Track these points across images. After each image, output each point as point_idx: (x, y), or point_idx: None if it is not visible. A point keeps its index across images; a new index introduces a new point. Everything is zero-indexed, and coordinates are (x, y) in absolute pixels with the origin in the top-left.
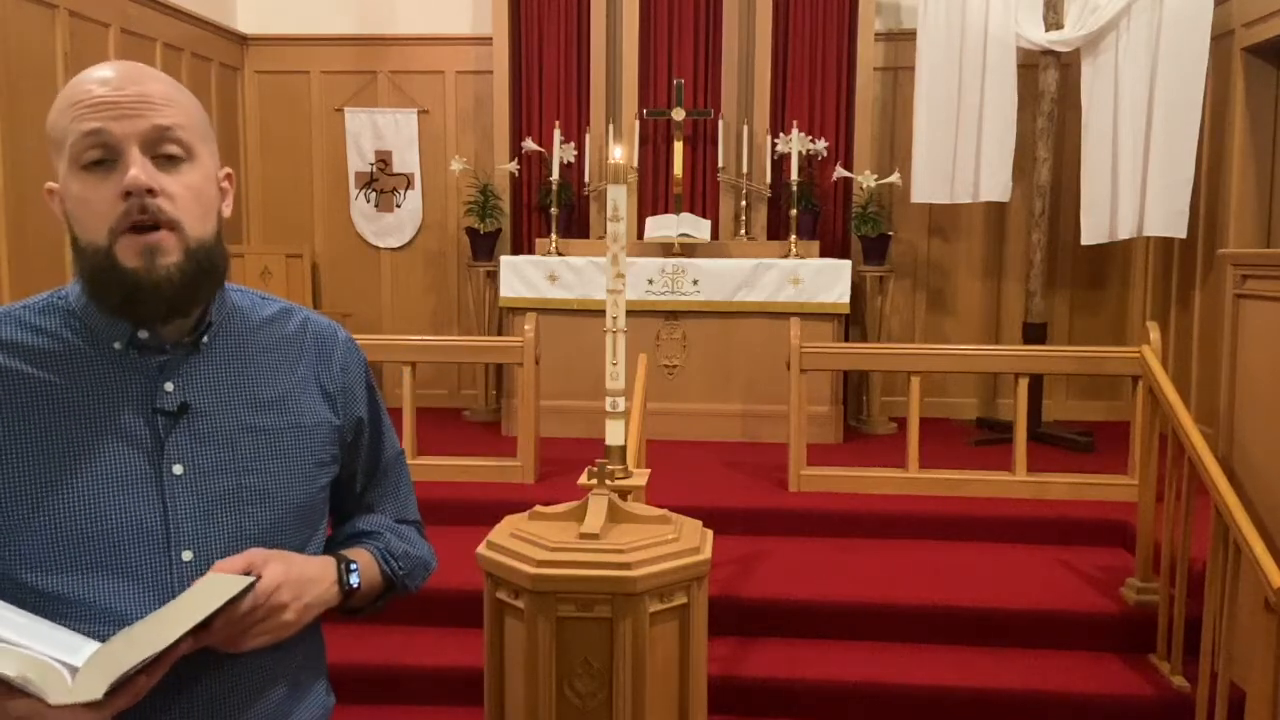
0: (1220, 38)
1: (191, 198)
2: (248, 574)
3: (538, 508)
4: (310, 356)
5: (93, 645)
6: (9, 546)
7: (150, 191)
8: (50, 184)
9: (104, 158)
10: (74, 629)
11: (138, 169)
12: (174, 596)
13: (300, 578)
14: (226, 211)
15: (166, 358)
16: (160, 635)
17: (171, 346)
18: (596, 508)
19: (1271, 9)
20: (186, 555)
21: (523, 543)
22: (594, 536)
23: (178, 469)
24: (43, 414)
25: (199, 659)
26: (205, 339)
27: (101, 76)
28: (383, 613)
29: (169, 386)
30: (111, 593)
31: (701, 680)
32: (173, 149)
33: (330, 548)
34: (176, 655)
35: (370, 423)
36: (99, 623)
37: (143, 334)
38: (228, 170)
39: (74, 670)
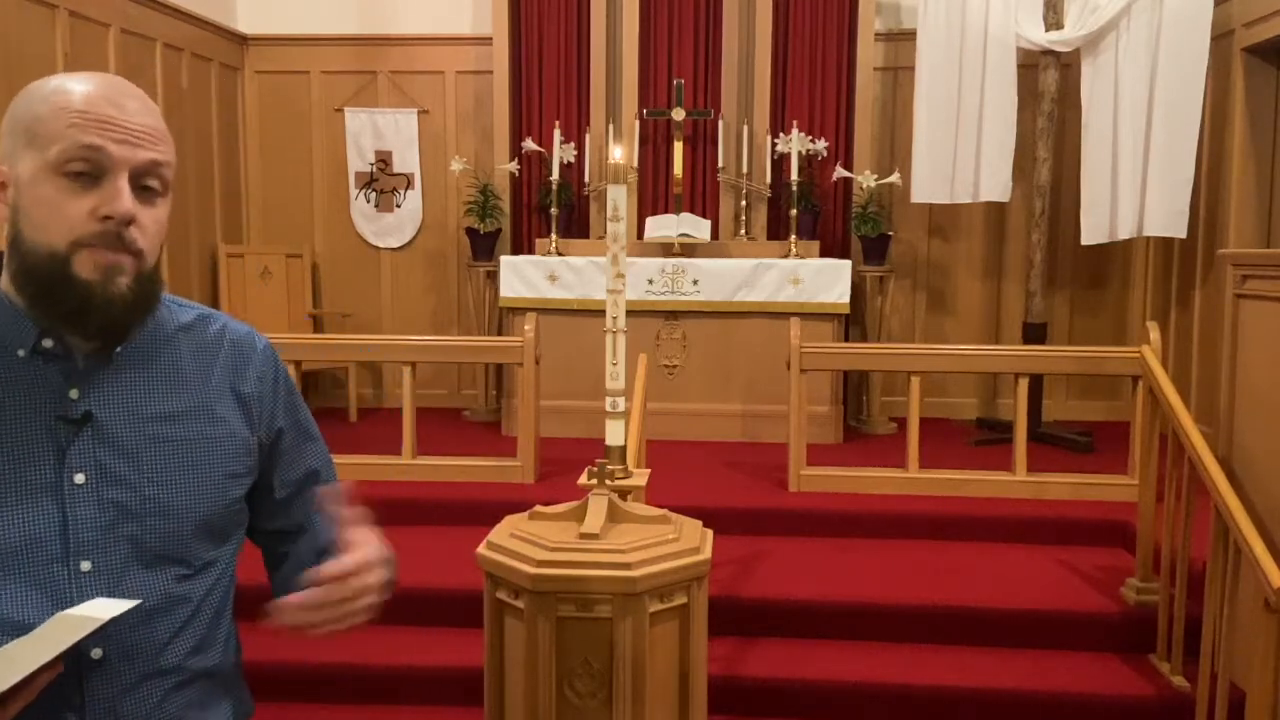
0: (1220, 38)
1: (156, 231)
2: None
3: (538, 508)
4: (226, 364)
5: None
6: None
7: (130, 220)
8: None
9: (89, 172)
10: None
11: (127, 198)
12: (72, 606)
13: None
14: None
15: (73, 366)
16: (10, 670)
17: (81, 356)
18: (596, 508)
19: (1271, 9)
20: (85, 565)
21: (523, 543)
22: (594, 536)
23: (79, 478)
24: None
25: (93, 672)
26: (118, 349)
27: (105, 94)
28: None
29: (74, 394)
30: (10, 602)
31: (701, 680)
32: (154, 184)
33: (298, 559)
34: (39, 685)
35: (291, 431)
36: None
37: (47, 342)
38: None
39: None
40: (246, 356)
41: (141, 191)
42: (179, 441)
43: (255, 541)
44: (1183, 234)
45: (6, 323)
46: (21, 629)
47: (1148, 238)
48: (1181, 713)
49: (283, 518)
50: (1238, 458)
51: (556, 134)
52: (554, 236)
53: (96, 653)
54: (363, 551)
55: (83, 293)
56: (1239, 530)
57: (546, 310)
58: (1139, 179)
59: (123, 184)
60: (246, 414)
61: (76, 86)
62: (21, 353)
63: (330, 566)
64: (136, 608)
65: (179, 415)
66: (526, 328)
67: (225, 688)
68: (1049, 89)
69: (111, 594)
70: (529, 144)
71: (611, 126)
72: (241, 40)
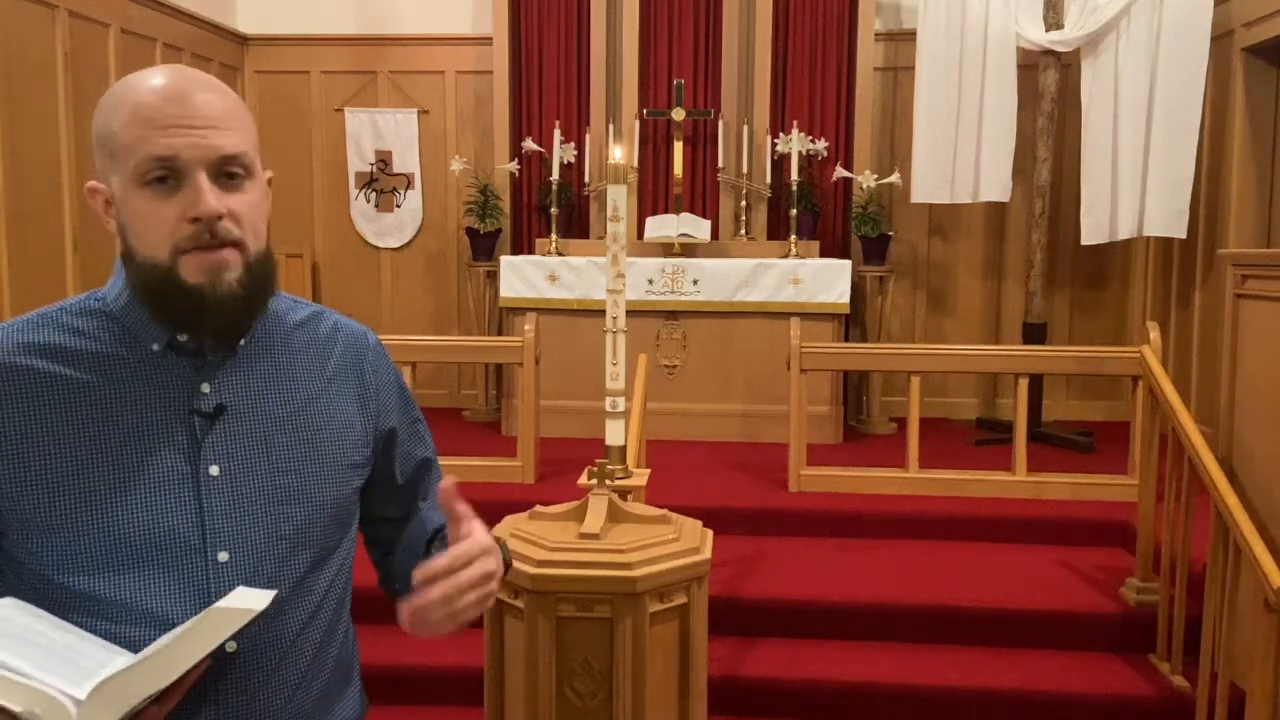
0: (1220, 38)
1: (252, 214)
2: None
3: (538, 508)
4: (341, 360)
5: (118, 660)
6: (48, 548)
7: (218, 216)
8: (94, 183)
9: (168, 177)
10: (112, 630)
11: (209, 197)
12: (211, 597)
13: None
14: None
15: (203, 360)
16: (168, 668)
17: (209, 349)
18: (596, 508)
19: (1271, 9)
20: (223, 556)
21: (523, 543)
22: (594, 536)
23: (214, 470)
24: (81, 416)
25: (229, 665)
26: (242, 342)
27: (168, 91)
28: None
29: (206, 388)
30: (148, 594)
31: (701, 680)
32: (237, 169)
33: (410, 545)
34: (190, 681)
35: (404, 424)
36: (137, 624)
37: (181, 336)
38: (269, 174)
39: (78, 702)
40: (360, 352)
41: (226, 179)
42: (305, 432)
43: (361, 528)
44: (1182, 234)
45: (140, 319)
46: (159, 620)
47: (1148, 238)
48: (1181, 713)
49: (394, 506)
50: (1238, 458)
51: (556, 134)
52: (554, 236)
53: (231, 645)
54: (468, 543)
55: (195, 297)
56: (1239, 530)
57: (546, 310)
58: (1139, 179)
59: (201, 182)
60: (363, 407)
61: (143, 90)
62: (155, 347)
63: (437, 561)
64: (274, 598)
65: (303, 407)
66: (526, 328)
67: (350, 678)
68: (1049, 89)
69: (248, 584)
70: (529, 144)
71: (611, 126)
72: (241, 40)
